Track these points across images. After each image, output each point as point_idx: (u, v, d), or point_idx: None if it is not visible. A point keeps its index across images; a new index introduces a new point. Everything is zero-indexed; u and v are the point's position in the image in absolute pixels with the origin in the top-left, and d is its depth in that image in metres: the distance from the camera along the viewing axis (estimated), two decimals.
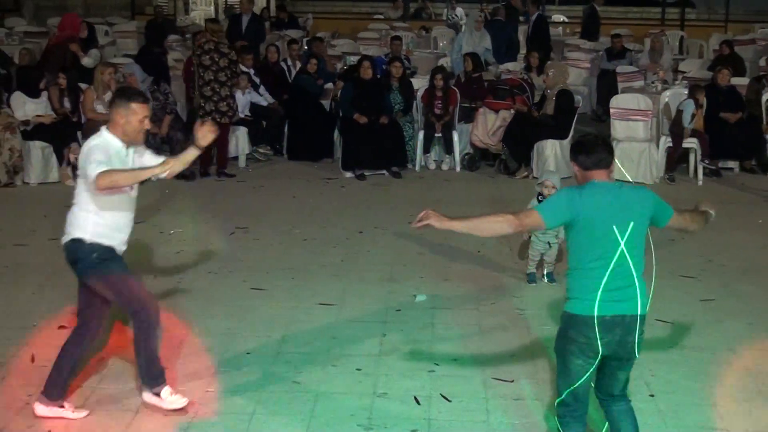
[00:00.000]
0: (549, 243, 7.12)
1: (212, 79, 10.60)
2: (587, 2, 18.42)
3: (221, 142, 10.40)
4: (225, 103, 10.66)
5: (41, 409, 4.97)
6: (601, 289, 4.01)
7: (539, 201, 6.97)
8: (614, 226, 4.01)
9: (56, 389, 4.99)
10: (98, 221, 4.81)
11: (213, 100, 10.57)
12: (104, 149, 4.73)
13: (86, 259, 4.82)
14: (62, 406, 4.98)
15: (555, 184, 6.93)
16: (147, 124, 4.88)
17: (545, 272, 7.26)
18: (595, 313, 4.01)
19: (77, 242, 4.83)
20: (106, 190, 4.65)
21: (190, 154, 4.91)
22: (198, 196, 10.02)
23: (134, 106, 4.80)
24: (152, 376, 5.04)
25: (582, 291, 4.05)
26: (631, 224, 4.04)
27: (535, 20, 15.63)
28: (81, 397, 5.21)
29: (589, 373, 4.12)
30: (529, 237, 7.12)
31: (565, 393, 4.18)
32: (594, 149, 4.14)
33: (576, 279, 4.09)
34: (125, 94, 4.91)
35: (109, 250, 4.86)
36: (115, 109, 4.83)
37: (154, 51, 13.65)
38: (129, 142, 4.86)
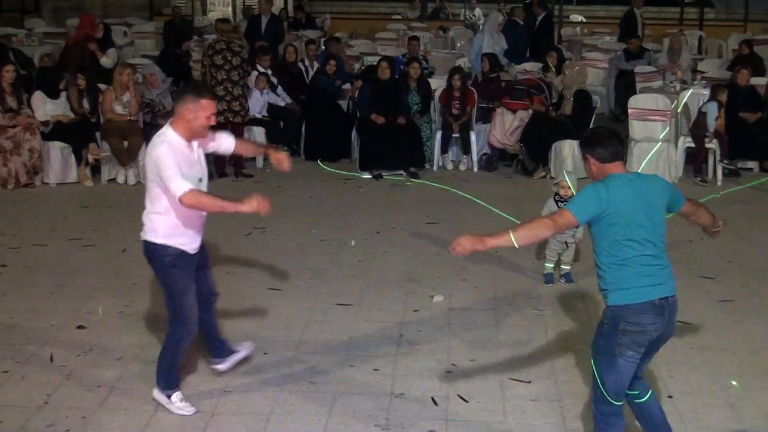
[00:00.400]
0: (566, 243, 7.10)
1: (225, 78, 10.62)
2: (612, 3, 18.23)
3: None
4: (238, 102, 10.69)
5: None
6: (647, 275, 4.09)
7: (555, 201, 6.96)
8: (644, 214, 4.11)
9: (173, 379, 5.15)
10: (168, 222, 4.87)
11: (226, 99, 10.57)
12: (171, 156, 4.72)
13: (160, 261, 4.93)
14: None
15: (571, 184, 6.90)
16: (213, 120, 4.90)
17: (562, 273, 7.24)
18: (648, 299, 4.07)
19: (151, 245, 4.93)
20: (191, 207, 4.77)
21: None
22: None
23: (204, 102, 4.81)
24: (169, 380, 5.13)
25: (628, 280, 4.10)
26: (656, 211, 4.16)
27: (541, 21, 15.56)
28: (99, 396, 5.25)
29: (635, 364, 4.16)
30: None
31: (612, 391, 4.18)
32: (610, 142, 4.22)
33: (618, 271, 4.11)
34: (195, 90, 4.91)
35: (182, 256, 4.93)
36: (183, 105, 4.81)
37: (175, 52, 13.71)
38: (193, 138, 4.88)
